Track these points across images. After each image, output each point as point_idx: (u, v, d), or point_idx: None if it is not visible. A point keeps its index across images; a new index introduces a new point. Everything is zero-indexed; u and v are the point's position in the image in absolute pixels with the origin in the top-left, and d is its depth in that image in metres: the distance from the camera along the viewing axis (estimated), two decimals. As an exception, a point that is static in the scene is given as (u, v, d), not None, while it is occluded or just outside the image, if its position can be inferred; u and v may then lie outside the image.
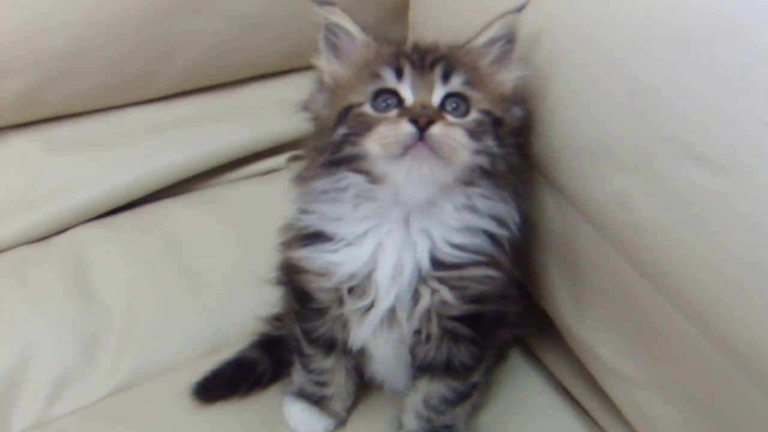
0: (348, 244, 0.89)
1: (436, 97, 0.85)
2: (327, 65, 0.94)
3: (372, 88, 0.86)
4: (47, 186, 1.31)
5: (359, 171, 0.86)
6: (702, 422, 0.86)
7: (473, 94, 0.87)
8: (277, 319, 1.15)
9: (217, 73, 1.39)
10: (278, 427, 1.06)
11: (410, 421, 1.01)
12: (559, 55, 0.93)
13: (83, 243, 1.29)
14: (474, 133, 0.84)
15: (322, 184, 0.89)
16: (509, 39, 0.92)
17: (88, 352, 1.14)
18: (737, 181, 0.74)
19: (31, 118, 1.34)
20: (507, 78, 0.92)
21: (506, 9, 0.92)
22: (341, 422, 1.07)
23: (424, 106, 0.84)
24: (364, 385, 1.10)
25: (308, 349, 1.02)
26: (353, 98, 0.87)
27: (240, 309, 1.19)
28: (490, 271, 0.89)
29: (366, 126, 0.84)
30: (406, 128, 0.81)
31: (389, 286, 0.88)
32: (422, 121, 0.81)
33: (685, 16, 0.78)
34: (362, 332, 0.93)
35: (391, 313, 0.90)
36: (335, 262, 0.89)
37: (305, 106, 0.95)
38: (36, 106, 1.30)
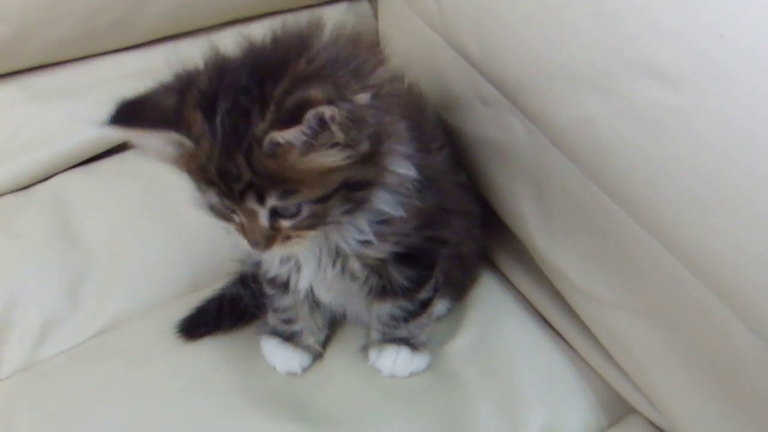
0: None
1: (263, 218, 0.80)
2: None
3: (205, 197, 0.82)
4: (29, 135, 1.32)
5: None
6: (669, 338, 0.87)
7: (294, 200, 0.78)
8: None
9: (192, 19, 1.38)
10: (259, 363, 1.08)
11: (373, 333, 1.06)
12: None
13: (65, 190, 1.30)
14: (312, 221, 0.81)
15: None
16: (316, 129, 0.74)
17: (73, 295, 1.16)
18: (696, 96, 0.74)
19: (11, 69, 1.33)
20: (325, 160, 0.76)
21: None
22: (317, 356, 1.09)
23: (257, 235, 0.81)
24: (338, 321, 1.13)
25: (268, 289, 1.04)
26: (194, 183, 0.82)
27: (218, 250, 1.18)
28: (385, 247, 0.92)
29: (217, 209, 0.83)
30: (251, 249, 0.83)
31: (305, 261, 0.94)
32: (259, 249, 0.82)
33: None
34: (301, 285, 0.97)
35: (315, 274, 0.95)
36: None
37: None
38: (15, 56, 1.30)
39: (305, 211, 0.79)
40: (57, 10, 1.26)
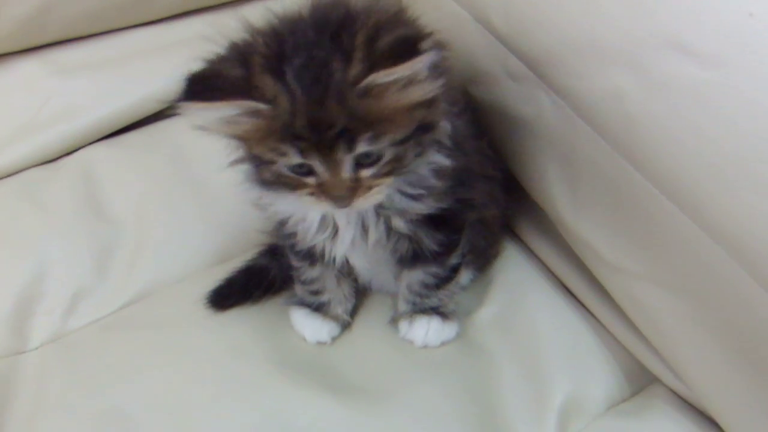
0: None
1: (347, 167, 0.80)
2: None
3: (280, 160, 0.81)
4: (56, 108, 1.33)
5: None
6: (696, 310, 0.88)
7: (380, 143, 0.79)
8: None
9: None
10: (288, 332, 1.09)
11: (401, 305, 1.08)
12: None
13: (93, 162, 1.31)
14: (391, 166, 0.83)
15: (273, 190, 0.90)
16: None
17: (102, 267, 1.17)
18: (724, 72, 0.75)
19: (37, 43, 1.35)
20: (413, 95, 0.79)
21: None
22: (345, 326, 1.10)
23: (340, 188, 0.82)
24: (364, 291, 1.14)
25: (295, 261, 1.05)
26: (262, 155, 0.82)
27: (245, 221, 1.19)
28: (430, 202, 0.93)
29: (285, 179, 0.84)
30: (329, 206, 0.84)
31: (345, 227, 0.94)
32: (342, 204, 0.83)
33: None
34: (337, 252, 0.98)
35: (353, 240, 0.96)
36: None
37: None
38: (40, 30, 1.32)
39: (387, 155, 0.81)
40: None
